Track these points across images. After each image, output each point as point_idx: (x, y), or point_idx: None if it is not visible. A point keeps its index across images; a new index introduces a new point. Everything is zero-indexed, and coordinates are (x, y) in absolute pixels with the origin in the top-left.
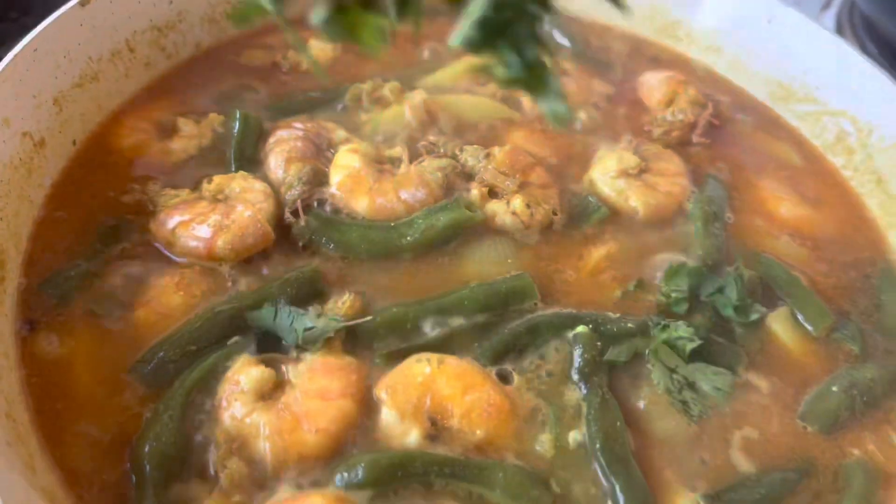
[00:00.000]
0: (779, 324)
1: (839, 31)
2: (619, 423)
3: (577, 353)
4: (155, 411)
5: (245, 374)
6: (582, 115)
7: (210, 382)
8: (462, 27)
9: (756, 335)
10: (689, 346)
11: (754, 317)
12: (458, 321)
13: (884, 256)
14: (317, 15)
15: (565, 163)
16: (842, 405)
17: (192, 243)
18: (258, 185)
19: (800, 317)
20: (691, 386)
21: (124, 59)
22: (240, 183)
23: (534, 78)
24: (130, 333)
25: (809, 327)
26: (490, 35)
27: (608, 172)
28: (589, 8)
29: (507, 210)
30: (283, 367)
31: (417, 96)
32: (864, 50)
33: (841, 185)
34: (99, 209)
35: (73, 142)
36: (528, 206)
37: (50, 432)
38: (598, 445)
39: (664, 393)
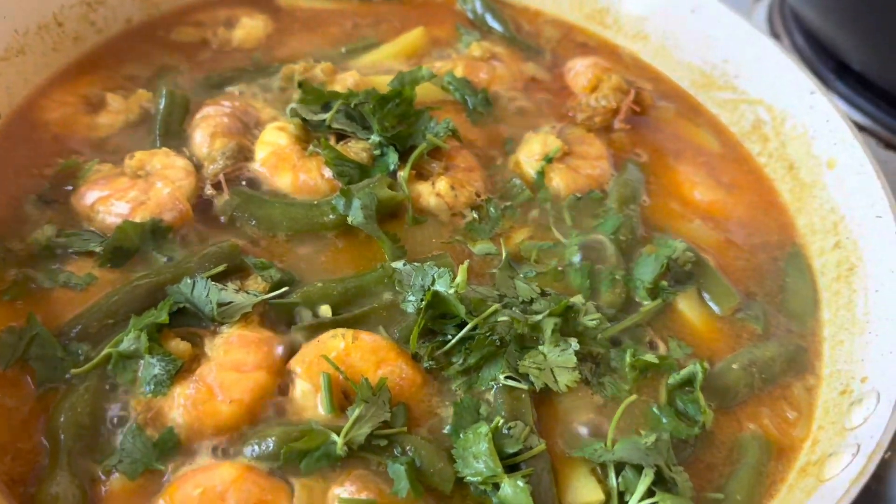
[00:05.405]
0: (686, 303)
1: (770, 22)
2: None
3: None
4: (71, 384)
5: None
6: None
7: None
8: None
9: (664, 314)
10: (608, 332)
11: (663, 299)
12: (377, 298)
13: (792, 240)
14: None
15: (492, 145)
16: (741, 382)
17: (111, 219)
18: (180, 162)
19: (706, 297)
20: (612, 370)
21: (52, 32)
22: (161, 160)
23: None
24: (48, 308)
25: (716, 307)
26: None
27: (533, 155)
28: None
29: (431, 191)
30: (200, 341)
31: (350, 77)
32: (791, 41)
33: (755, 171)
34: (23, 183)
35: None
36: (452, 188)
37: None
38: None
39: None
